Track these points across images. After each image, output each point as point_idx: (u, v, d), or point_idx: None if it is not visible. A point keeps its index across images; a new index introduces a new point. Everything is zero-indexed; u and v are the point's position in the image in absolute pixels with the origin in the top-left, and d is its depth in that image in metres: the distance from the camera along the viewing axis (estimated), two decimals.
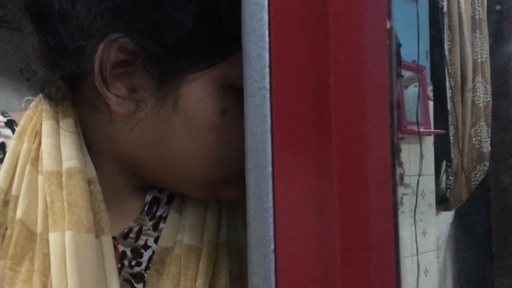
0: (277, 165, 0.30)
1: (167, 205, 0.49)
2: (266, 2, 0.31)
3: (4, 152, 0.45)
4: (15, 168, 0.44)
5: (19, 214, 0.42)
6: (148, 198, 0.48)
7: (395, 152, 0.26)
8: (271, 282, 0.30)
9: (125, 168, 0.47)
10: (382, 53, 0.27)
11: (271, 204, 0.31)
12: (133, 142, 0.44)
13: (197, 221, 0.48)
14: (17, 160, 0.44)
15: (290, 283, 0.30)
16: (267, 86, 0.31)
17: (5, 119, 0.47)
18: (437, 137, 2.10)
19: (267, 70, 0.31)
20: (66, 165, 0.43)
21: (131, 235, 0.47)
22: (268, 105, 0.31)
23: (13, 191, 0.43)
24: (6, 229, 0.42)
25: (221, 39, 0.40)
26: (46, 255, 0.42)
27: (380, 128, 0.27)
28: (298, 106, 0.30)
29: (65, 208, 0.42)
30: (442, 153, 2.13)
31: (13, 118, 0.47)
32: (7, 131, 0.46)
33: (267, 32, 0.31)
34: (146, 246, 0.47)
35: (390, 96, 0.26)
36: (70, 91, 0.45)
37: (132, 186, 0.48)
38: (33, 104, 0.47)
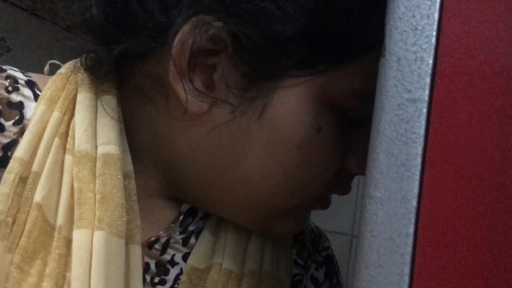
0: (428, 200, 0.23)
1: (202, 220, 0.41)
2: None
3: (22, 113, 0.36)
4: (41, 139, 0.34)
5: (38, 197, 0.33)
6: (185, 208, 0.40)
7: None
8: None
9: (166, 174, 0.39)
10: None
11: (410, 249, 0.23)
12: (193, 147, 0.36)
13: (239, 245, 0.40)
14: (44, 130, 0.35)
15: None
16: (425, 98, 0.24)
17: (25, 78, 0.38)
18: None
19: (428, 79, 0.25)
20: (103, 149, 0.35)
21: (157, 246, 0.39)
22: (423, 122, 0.24)
23: (34, 167, 0.34)
24: (17, 211, 0.33)
25: (336, 44, 0.33)
26: (63, 257, 0.32)
27: None
28: (472, 128, 0.23)
29: (96, 201, 0.33)
30: None
31: (34, 80, 0.38)
32: (27, 91, 0.37)
33: (435, 33, 0.25)
34: (173, 262, 0.39)
35: None
36: (117, 70, 0.36)
37: (167, 194, 0.40)
38: (63, 70, 0.38)
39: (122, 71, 0.37)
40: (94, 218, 0.33)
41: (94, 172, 0.34)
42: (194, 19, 0.33)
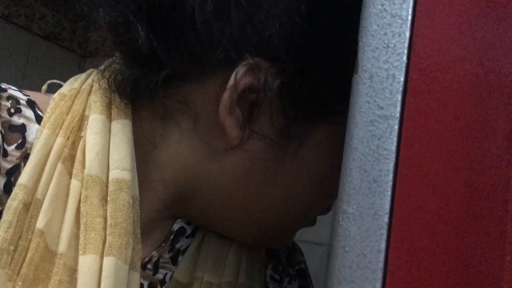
0: (399, 216, 0.24)
1: (187, 238, 0.41)
2: (410, 17, 0.26)
3: (24, 136, 0.35)
4: (45, 165, 0.34)
5: (40, 223, 0.32)
6: (176, 227, 0.41)
7: None
8: None
9: (175, 196, 0.39)
10: None
11: (381, 265, 0.24)
12: (222, 172, 0.37)
13: (219, 258, 0.42)
14: (48, 156, 0.34)
15: None
16: (397, 115, 0.25)
17: (25, 97, 0.37)
18: None
19: (399, 96, 0.25)
20: (116, 174, 0.34)
21: (149, 266, 0.39)
22: (395, 138, 0.25)
23: (38, 193, 0.33)
24: (20, 238, 0.32)
25: None
26: (64, 283, 0.32)
27: None
28: (443, 144, 0.24)
29: (108, 226, 0.33)
30: None
31: (33, 99, 0.38)
32: (29, 112, 0.36)
33: (406, 51, 0.25)
34: (163, 282, 0.40)
35: None
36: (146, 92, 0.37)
37: (166, 214, 0.40)
38: (67, 91, 0.38)
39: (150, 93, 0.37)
40: (102, 243, 0.33)
41: (103, 197, 0.34)
42: (251, 62, 0.33)
